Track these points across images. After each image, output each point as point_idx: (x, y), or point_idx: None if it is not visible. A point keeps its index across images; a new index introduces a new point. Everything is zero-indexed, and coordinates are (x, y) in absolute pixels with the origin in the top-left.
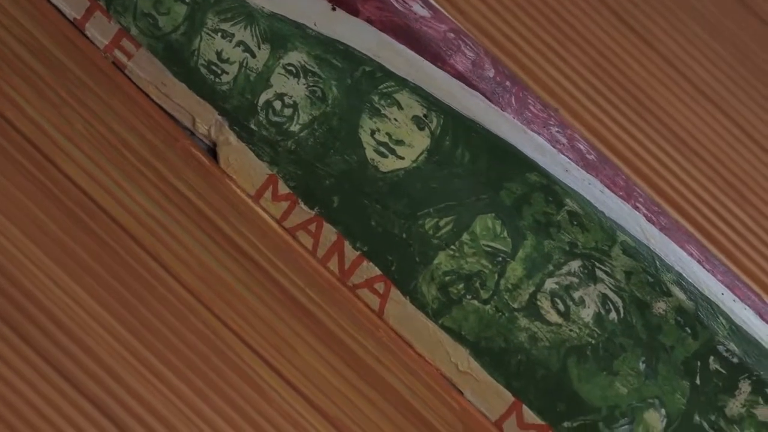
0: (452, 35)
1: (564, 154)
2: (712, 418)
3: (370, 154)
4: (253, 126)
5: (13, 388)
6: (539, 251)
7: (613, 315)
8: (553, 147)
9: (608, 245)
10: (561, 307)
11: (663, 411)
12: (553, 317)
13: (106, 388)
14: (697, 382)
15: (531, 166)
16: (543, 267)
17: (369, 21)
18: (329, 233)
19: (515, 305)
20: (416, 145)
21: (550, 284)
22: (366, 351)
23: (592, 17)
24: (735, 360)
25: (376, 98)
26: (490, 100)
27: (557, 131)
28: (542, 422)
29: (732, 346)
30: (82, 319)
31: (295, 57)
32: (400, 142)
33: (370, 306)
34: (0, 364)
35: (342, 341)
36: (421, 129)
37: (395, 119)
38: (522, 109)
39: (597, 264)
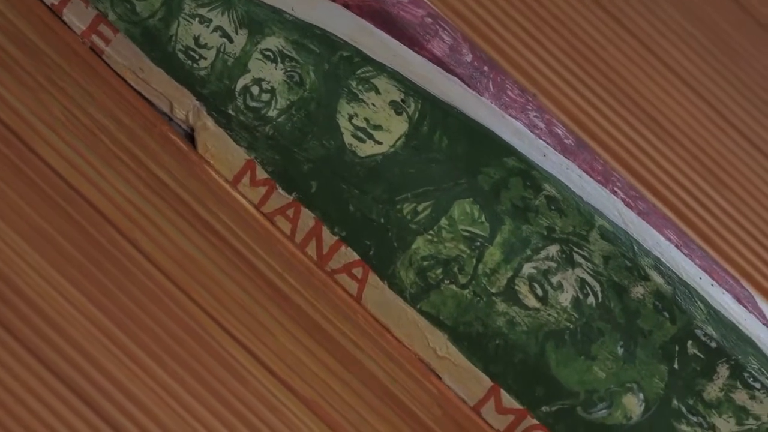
0: (430, 20)
1: (542, 139)
2: (690, 402)
3: (347, 139)
4: (231, 111)
5: None
6: (517, 236)
7: (591, 299)
8: (531, 132)
9: (586, 230)
10: (539, 291)
11: (641, 395)
12: (531, 302)
13: (83, 373)
14: (675, 366)
15: (509, 150)
16: (521, 252)
17: (346, 6)
18: (307, 218)
19: (493, 290)
20: (394, 130)
21: (528, 269)
22: (344, 336)
23: (569, 2)
24: (713, 344)
25: (353, 83)
26: (467, 85)
27: (535, 116)
28: (520, 406)
29: (710, 331)
30: (60, 303)
31: (273, 42)
32: (377, 127)
33: (348, 291)
34: None
35: (320, 326)
36: (399, 114)
37: (373, 104)
38: (500, 94)
39: (575, 248)
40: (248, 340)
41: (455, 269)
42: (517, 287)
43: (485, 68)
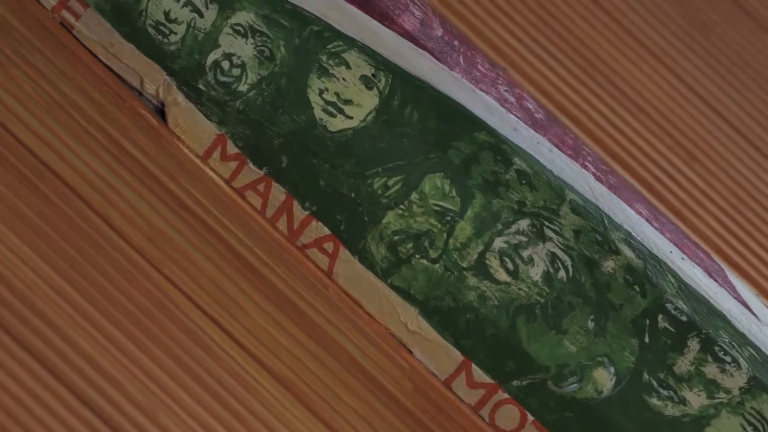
0: None
1: (512, 113)
2: (661, 375)
3: (318, 113)
4: (201, 86)
5: None
6: (488, 210)
7: (561, 274)
8: (502, 106)
9: (557, 204)
10: (510, 266)
11: (612, 369)
12: (502, 276)
13: (54, 348)
14: (646, 340)
15: (479, 125)
16: (492, 226)
17: None
18: (278, 193)
19: (464, 264)
20: (365, 104)
21: (498, 243)
22: (315, 311)
23: None
24: (684, 318)
25: (324, 58)
26: (438, 60)
27: (505, 90)
28: (491, 381)
29: (681, 305)
30: (30, 278)
31: (243, 17)
32: (348, 102)
33: (319, 266)
34: None
35: (291, 301)
36: (370, 88)
37: (343, 79)
38: (470, 69)
39: (546, 223)
40: (219, 315)
41: (426, 244)
42: (488, 261)
43: (456, 43)
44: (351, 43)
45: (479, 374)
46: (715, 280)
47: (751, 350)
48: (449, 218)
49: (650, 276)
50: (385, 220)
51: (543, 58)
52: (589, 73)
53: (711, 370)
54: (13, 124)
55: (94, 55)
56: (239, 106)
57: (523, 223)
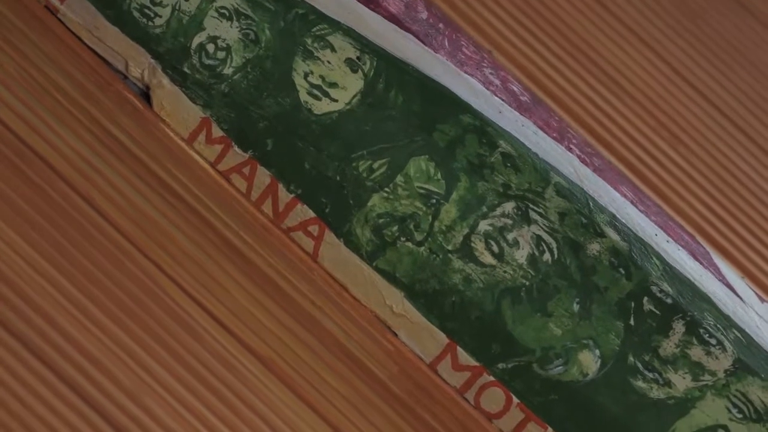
0: None
1: (497, 96)
2: (646, 358)
3: (303, 96)
4: (186, 69)
5: None
6: (473, 193)
7: (546, 256)
8: (487, 89)
9: (542, 187)
10: (495, 248)
11: (597, 352)
12: (487, 259)
13: (38, 330)
14: (631, 322)
15: (464, 107)
16: (477, 209)
17: None
18: (263, 176)
19: (449, 247)
20: (349, 87)
21: (483, 226)
22: (300, 294)
23: None
24: (669, 300)
25: (309, 41)
26: (423, 42)
27: (490, 73)
28: (476, 363)
29: (666, 287)
30: (15, 262)
31: (228, 0)
32: (333, 85)
33: (305, 249)
34: None
35: (276, 284)
36: (355, 71)
37: (328, 62)
38: (455, 51)
39: (530, 205)
40: (204, 298)
41: (411, 226)
42: (473, 244)
43: (440, 25)
44: (336, 26)
45: (464, 357)
46: (700, 263)
47: (736, 333)
48: (434, 201)
49: (635, 258)
50: (370, 203)
51: (528, 41)
52: (574, 56)
53: (696, 352)
54: None
55: (79, 39)
56: (224, 89)
57: (508, 206)
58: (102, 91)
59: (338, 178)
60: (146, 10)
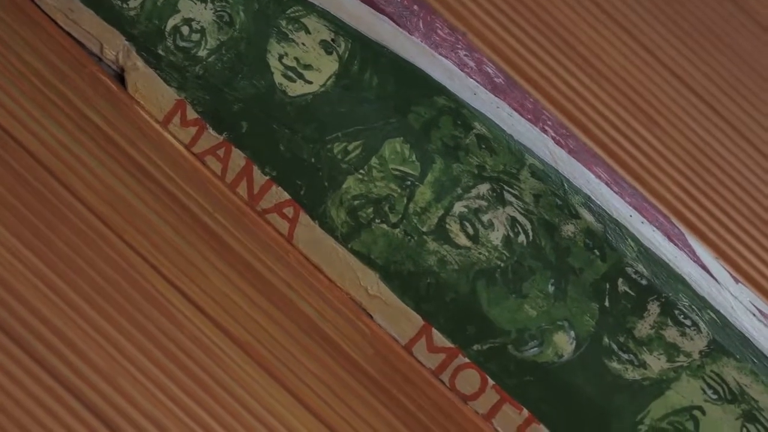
0: None
1: (472, 78)
2: (621, 339)
3: (278, 78)
4: (160, 51)
5: None
6: (448, 175)
7: (521, 238)
8: (461, 70)
9: (516, 168)
10: (470, 230)
11: (572, 333)
12: (462, 240)
13: (12, 312)
14: (606, 304)
15: (439, 89)
16: (451, 190)
17: None
18: (238, 158)
19: (424, 229)
20: (324, 69)
21: (458, 207)
22: (275, 276)
23: None
24: (644, 282)
25: (283, 23)
26: (397, 24)
27: (465, 55)
28: (452, 345)
29: (641, 268)
30: None
31: None
32: (308, 67)
33: (280, 231)
34: None
35: (251, 266)
36: (329, 53)
37: (303, 44)
38: (430, 33)
39: (505, 187)
40: (180, 281)
41: (386, 208)
42: (447, 226)
43: (415, 7)
44: (310, 7)
45: (439, 339)
46: (675, 244)
47: (711, 314)
48: (409, 183)
49: (610, 240)
50: (345, 185)
51: (502, 22)
52: (548, 37)
53: (671, 333)
54: None
55: (54, 21)
56: (199, 72)
57: (483, 188)
58: (77, 74)
59: (313, 160)
60: None
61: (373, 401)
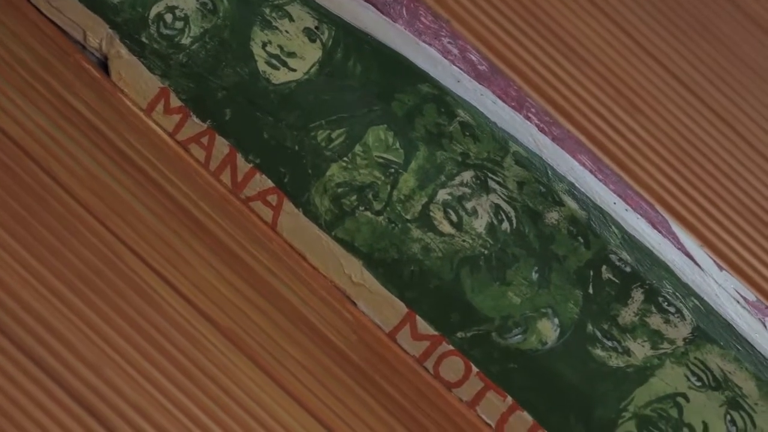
0: None
1: (456, 65)
2: (605, 326)
3: (261, 66)
4: (144, 39)
5: None
6: (431, 162)
7: (505, 225)
8: (445, 58)
9: (500, 156)
10: (453, 217)
11: (556, 320)
12: (446, 228)
13: None
14: (590, 291)
15: (423, 77)
16: (435, 178)
17: None
18: (221, 146)
19: (408, 216)
20: (308, 57)
21: (442, 195)
22: (259, 263)
23: None
24: (627, 269)
25: (267, 10)
26: (381, 12)
27: (449, 42)
28: (436, 333)
29: (624, 255)
30: None
31: None
32: (291, 54)
33: (263, 218)
34: None
35: (235, 254)
36: (313, 41)
37: (286, 31)
38: (413, 21)
39: (489, 174)
40: (164, 268)
41: (370, 196)
42: (431, 213)
43: None
44: None
45: (423, 326)
46: (659, 231)
47: (695, 301)
48: (393, 170)
49: (594, 227)
50: (328, 173)
51: (486, 9)
52: (532, 24)
53: (655, 320)
54: None
55: (38, 9)
56: (182, 59)
57: (467, 175)
58: (60, 62)
59: (297, 147)
60: None
61: (357, 388)
